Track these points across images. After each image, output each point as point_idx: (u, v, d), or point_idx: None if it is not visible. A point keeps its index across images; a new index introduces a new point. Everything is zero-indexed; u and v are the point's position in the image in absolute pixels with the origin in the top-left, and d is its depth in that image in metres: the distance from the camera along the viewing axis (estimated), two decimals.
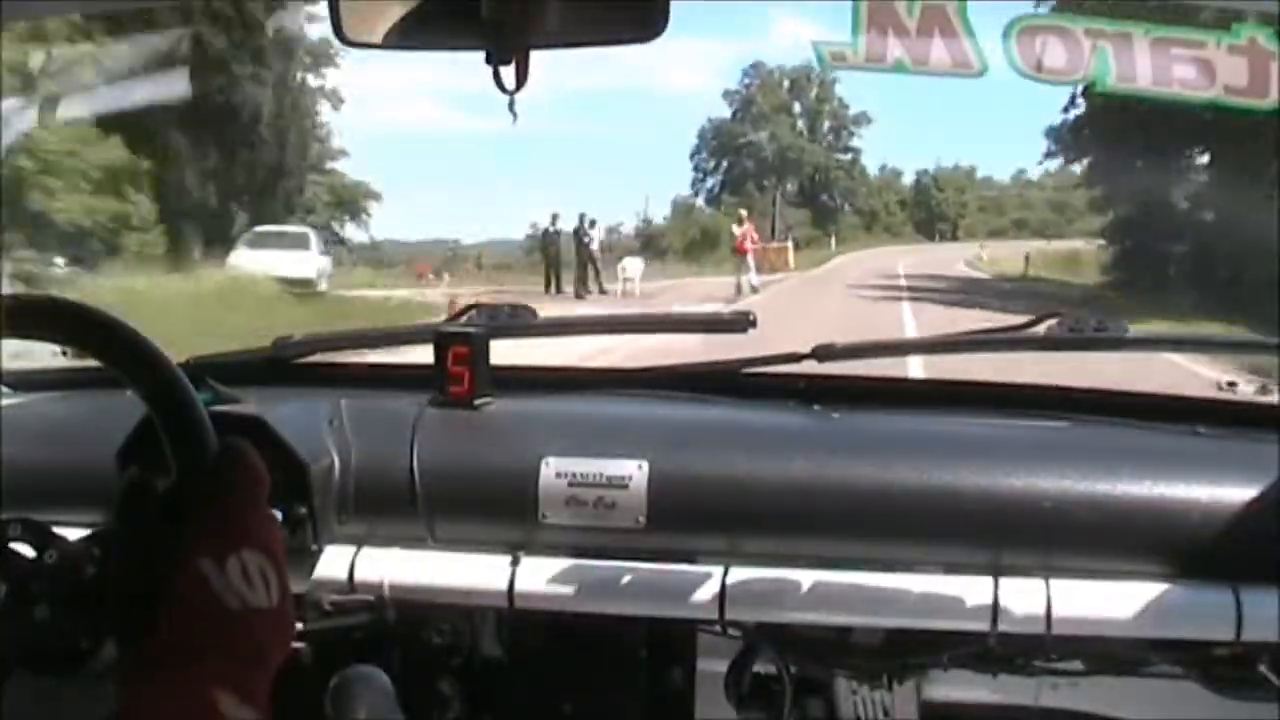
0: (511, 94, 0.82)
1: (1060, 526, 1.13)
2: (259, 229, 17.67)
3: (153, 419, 0.76)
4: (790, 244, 26.50)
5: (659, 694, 1.30)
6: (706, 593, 1.16)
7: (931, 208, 47.16)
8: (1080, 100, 19.14)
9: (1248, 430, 1.25)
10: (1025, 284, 20.73)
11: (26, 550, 0.75)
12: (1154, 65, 1.23)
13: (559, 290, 18.28)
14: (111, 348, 0.78)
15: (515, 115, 0.83)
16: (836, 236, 40.24)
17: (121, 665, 0.69)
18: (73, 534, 0.77)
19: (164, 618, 0.66)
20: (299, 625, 1.17)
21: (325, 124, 25.74)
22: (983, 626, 1.12)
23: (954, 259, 28.54)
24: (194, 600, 0.67)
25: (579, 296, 17.43)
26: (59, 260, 12.68)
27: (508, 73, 0.81)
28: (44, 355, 1.48)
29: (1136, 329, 1.39)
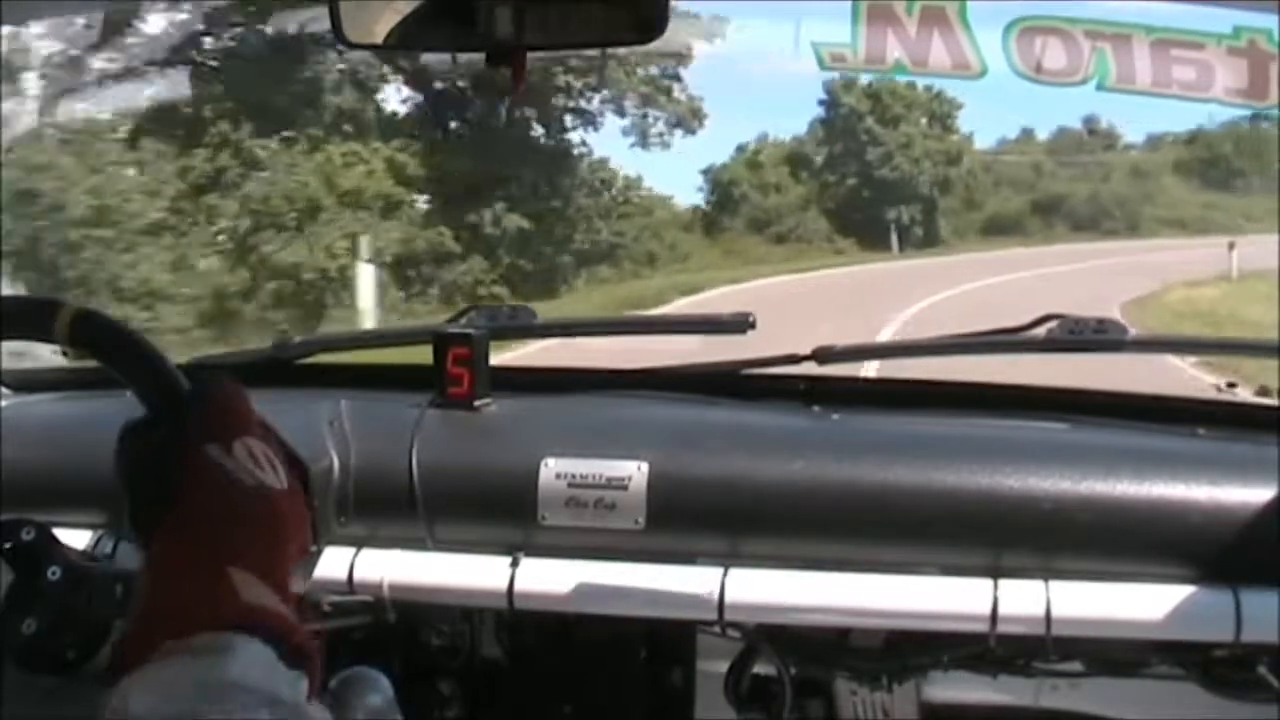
0: (511, 95, 0.82)
1: (1060, 528, 1.13)
2: None
3: None
4: None
5: (659, 695, 1.30)
6: (706, 594, 1.16)
7: (900, 179, 18.25)
8: None
9: (1248, 432, 1.24)
10: None
11: (29, 553, 0.75)
12: (1154, 67, 1.23)
13: None
14: (114, 352, 0.78)
15: (517, 115, 0.83)
16: (646, 264, 14.33)
17: (142, 556, 0.69)
18: (78, 539, 0.77)
19: (180, 503, 0.67)
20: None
21: None
22: (982, 628, 1.12)
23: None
24: (209, 482, 0.68)
25: None
26: None
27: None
28: (44, 356, 1.49)
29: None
